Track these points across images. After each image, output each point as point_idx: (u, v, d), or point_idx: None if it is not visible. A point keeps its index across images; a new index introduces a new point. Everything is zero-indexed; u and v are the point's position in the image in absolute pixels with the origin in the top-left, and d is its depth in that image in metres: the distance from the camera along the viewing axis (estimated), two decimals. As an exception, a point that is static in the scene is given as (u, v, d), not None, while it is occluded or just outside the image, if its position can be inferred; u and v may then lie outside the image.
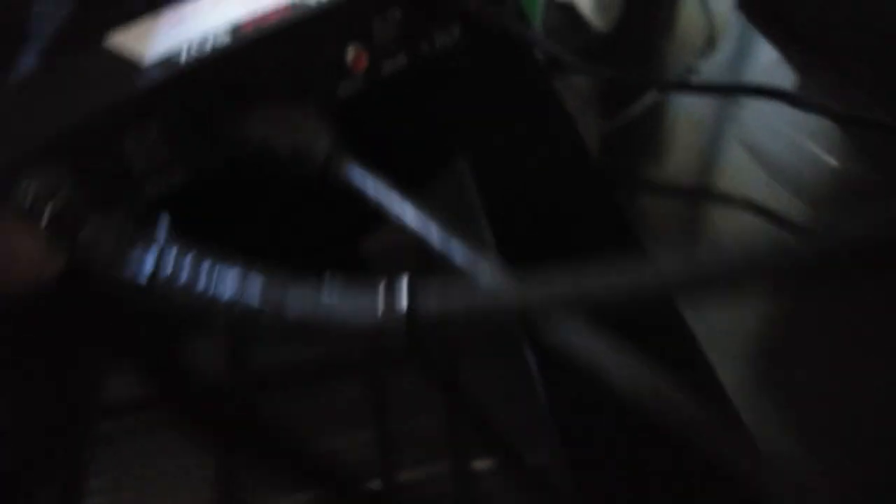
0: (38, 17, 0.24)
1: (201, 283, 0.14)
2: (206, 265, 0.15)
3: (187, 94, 0.21)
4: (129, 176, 0.21)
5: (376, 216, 0.19)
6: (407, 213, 0.18)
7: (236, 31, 0.23)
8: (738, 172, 0.26)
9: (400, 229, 0.18)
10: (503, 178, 0.25)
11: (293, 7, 0.24)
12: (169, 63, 0.21)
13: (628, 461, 0.15)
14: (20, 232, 0.16)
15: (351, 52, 0.26)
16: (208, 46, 0.22)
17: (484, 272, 0.16)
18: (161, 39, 0.22)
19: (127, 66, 0.21)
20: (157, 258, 0.15)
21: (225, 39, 0.22)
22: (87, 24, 0.23)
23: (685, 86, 0.30)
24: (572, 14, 0.36)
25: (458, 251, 0.16)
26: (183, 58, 0.21)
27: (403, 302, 0.13)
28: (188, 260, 0.15)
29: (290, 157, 0.21)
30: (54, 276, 0.16)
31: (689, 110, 0.29)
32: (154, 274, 0.15)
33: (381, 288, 0.13)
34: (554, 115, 0.28)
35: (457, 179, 0.26)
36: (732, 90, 0.29)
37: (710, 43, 0.34)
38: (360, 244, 0.22)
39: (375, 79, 0.28)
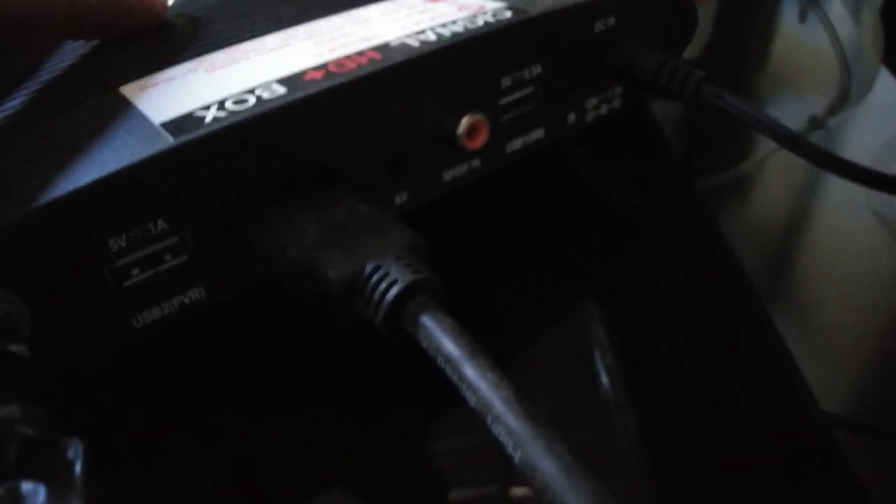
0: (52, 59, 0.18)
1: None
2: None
3: (208, 171, 0.14)
4: (110, 293, 0.14)
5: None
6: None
7: (294, 81, 0.15)
8: (866, 244, 0.23)
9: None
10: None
11: (384, 50, 0.16)
12: (186, 124, 0.14)
13: (720, 487, 0.15)
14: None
15: (465, 123, 0.18)
16: (250, 102, 0.14)
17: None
18: (183, 92, 0.15)
19: (128, 128, 0.14)
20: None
21: (275, 92, 0.15)
22: (102, 69, 0.17)
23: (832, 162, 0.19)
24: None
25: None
26: (209, 117, 0.14)
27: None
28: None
29: (316, 300, 0.13)
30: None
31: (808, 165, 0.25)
32: None
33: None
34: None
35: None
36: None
37: (843, 95, 0.30)
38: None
39: (497, 159, 0.20)
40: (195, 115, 0.14)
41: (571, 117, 0.21)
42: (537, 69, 0.19)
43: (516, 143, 0.20)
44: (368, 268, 0.13)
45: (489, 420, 0.11)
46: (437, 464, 0.16)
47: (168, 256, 0.15)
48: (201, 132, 0.14)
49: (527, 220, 0.22)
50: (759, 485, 0.15)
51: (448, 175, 0.19)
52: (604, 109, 0.22)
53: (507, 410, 0.10)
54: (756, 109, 0.18)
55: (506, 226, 0.22)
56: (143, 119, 0.14)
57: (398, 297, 0.12)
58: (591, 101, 0.21)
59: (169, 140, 0.13)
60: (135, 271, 0.15)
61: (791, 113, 0.32)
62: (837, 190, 0.27)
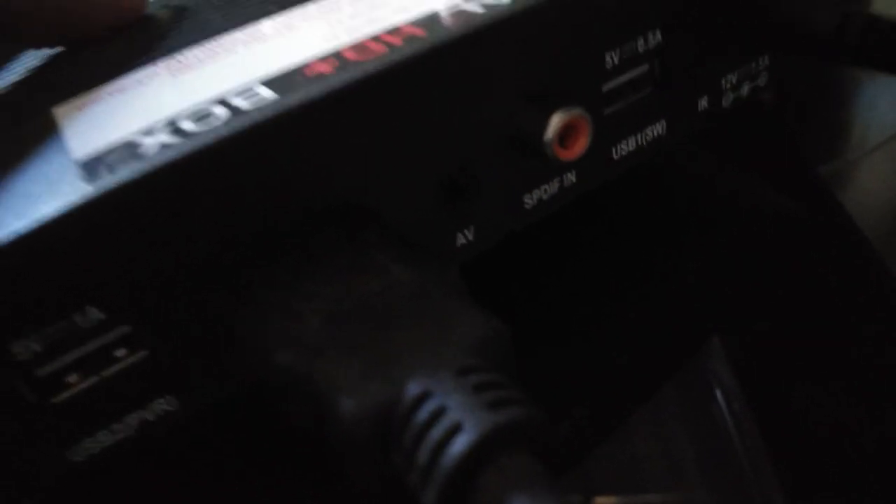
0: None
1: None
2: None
3: (154, 228, 0.09)
4: (30, 414, 0.09)
5: None
6: None
7: (289, 79, 0.10)
8: None
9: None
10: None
11: (431, 24, 0.11)
12: (114, 160, 0.09)
13: None
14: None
15: (558, 122, 0.12)
16: (218, 118, 0.09)
17: None
18: (126, 110, 0.10)
19: (39, 170, 0.09)
20: None
21: (258, 99, 0.09)
22: (46, 84, 0.12)
23: None
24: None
25: None
26: (151, 147, 0.09)
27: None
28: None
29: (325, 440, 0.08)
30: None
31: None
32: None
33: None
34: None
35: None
36: None
37: None
38: None
39: (599, 170, 0.14)
40: (132, 143, 0.09)
41: (703, 102, 0.15)
42: (655, 37, 0.13)
43: (627, 145, 0.14)
44: (411, 392, 0.07)
45: None
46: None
47: (121, 352, 0.10)
48: (133, 174, 0.08)
49: (622, 229, 0.17)
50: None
51: (532, 198, 0.13)
52: (745, 89, 0.16)
53: None
54: None
55: (596, 237, 0.17)
56: (61, 155, 0.09)
57: (465, 458, 0.07)
58: (730, 79, 0.15)
59: (83, 189, 0.08)
60: (71, 378, 0.10)
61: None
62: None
